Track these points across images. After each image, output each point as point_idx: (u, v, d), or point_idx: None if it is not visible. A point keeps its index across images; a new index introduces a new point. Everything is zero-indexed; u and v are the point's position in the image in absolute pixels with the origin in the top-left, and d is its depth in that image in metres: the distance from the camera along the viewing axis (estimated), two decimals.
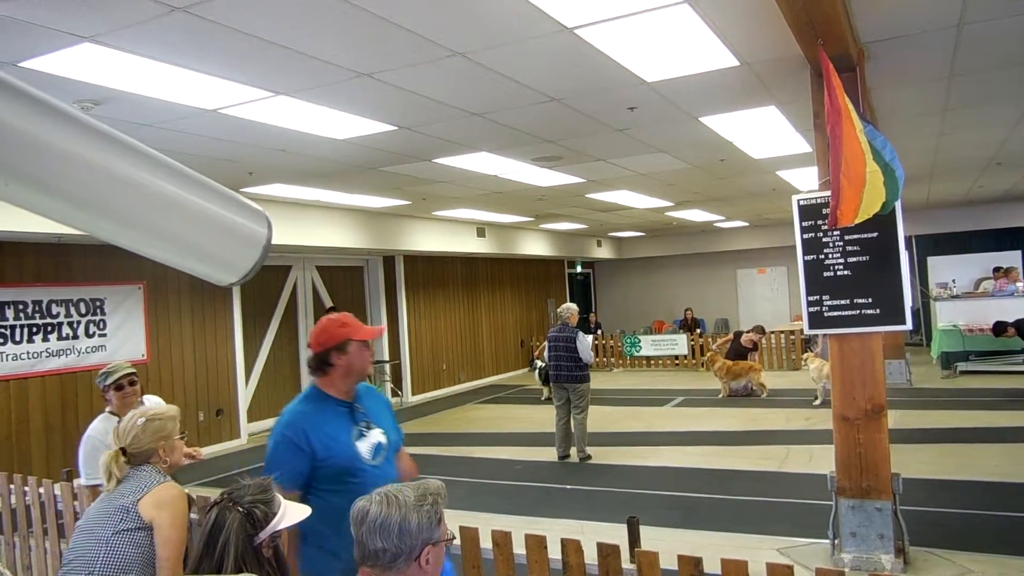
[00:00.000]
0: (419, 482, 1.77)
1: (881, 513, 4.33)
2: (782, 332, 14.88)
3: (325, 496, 2.48)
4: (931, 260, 14.46)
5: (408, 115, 5.63)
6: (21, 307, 7.71)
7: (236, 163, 6.86)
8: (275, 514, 1.91)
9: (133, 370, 4.10)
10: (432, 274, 14.10)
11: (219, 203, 1.87)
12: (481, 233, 13.83)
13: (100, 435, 3.04)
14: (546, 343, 8.35)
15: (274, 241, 2.02)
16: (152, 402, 3.93)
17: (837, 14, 3.64)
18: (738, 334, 12.87)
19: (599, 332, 17.04)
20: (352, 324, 2.66)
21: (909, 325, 4.44)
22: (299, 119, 5.48)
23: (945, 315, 12.42)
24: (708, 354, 12.42)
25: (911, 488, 4.87)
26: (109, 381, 3.94)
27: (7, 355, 7.55)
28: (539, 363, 12.03)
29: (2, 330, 7.53)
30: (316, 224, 9.97)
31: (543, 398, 11.87)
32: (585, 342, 7.81)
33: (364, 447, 2.59)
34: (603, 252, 19.22)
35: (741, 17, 3.98)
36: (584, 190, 10.18)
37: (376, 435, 2.65)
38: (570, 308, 8.10)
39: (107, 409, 3.89)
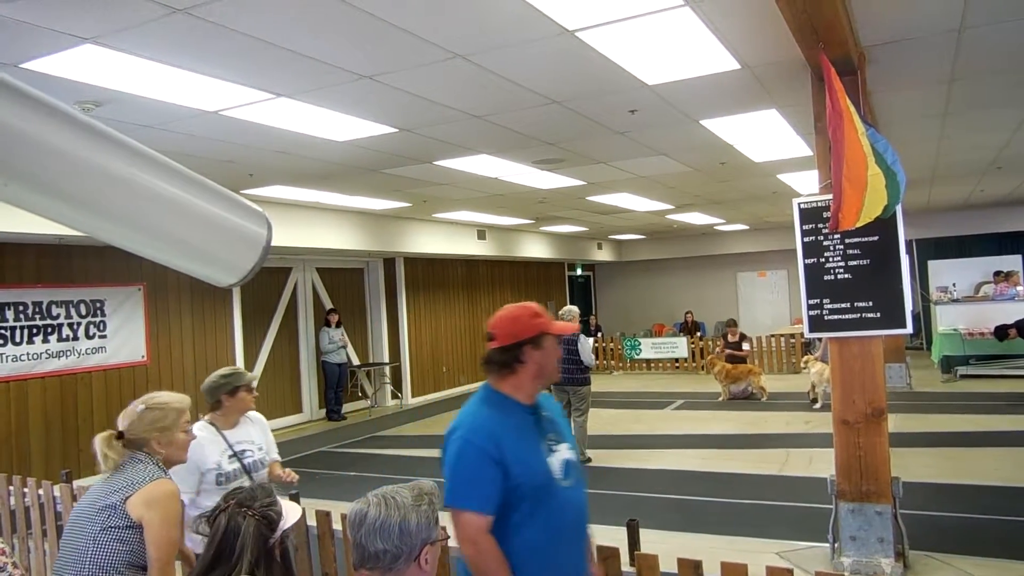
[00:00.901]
0: (413, 483, 1.77)
1: (881, 517, 4.33)
2: (782, 335, 14.87)
3: (515, 528, 2.03)
4: (932, 264, 14.46)
5: (409, 117, 5.64)
6: (21, 308, 7.71)
7: (237, 164, 6.86)
8: (281, 515, 1.92)
9: (254, 377, 3.64)
10: (432, 276, 14.10)
11: (219, 204, 1.87)
12: (481, 235, 13.84)
13: (194, 446, 2.87)
14: None
15: (274, 243, 2.02)
16: (255, 419, 3.56)
17: (838, 17, 3.64)
18: (724, 336, 12.91)
19: (599, 335, 17.03)
20: (545, 315, 2.30)
21: (910, 329, 4.43)
22: (300, 121, 5.48)
23: (945, 319, 12.41)
24: (708, 357, 12.42)
25: (911, 492, 4.87)
26: (242, 382, 3.41)
27: (7, 356, 7.55)
28: None
29: (2, 331, 7.53)
30: (316, 226, 9.97)
31: None
32: (587, 345, 7.79)
33: (555, 464, 2.17)
34: (603, 255, 19.22)
35: (742, 20, 3.98)
36: (585, 193, 10.18)
37: (564, 451, 2.25)
38: (572, 311, 8.06)
39: (205, 417, 3.38)
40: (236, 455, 3.33)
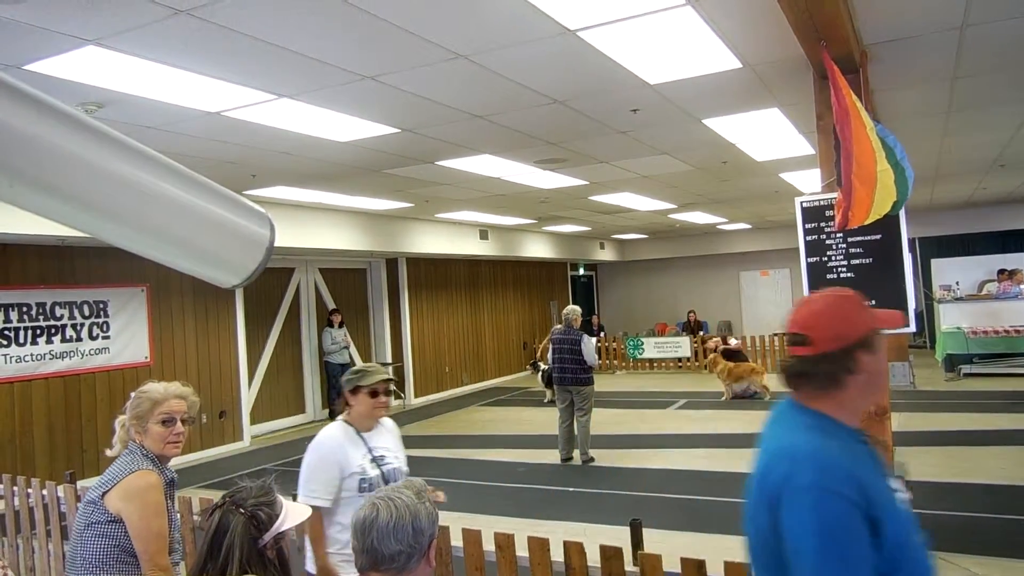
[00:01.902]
0: (406, 480, 1.78)
1: None
2: (785, 335, 14.84)
3: None
4: (935, 262, 14.43)
5: (411, 117, 5.64)
6: (25, 309, 7.73)
7: (239, 165, 6.87)
8: (278, 515, 1.91)
9: (391, 376, 3.24)
10: (435, 276, 14.11)
11: (221, 205, 1.88)
12: (484, 235, 13.84)
13: (334, 445, 2.71)
14: (549, 345, 8.34)
15: (277, 243, 2.02)
16: (389, 426, 3.21)
17: (839, 16, 3.64)
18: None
19: (602, 334, 17.02)
20: (868, 307, 1.71)
21: (913, 327, 4.43)
22: (302, 122, 5.49)
23: (949, 317, 12.38)
24: (710, 356, 12.41)
25: (915, 491, 4.84)
26: (365, 383, 3.02)
27: (11, 357, 7.57)
28: (542, 365, 12.03)
29: (6, 332, 7.55)
30: (319, 226, 9.98)
31: (546, 400, 11.85)
32: (590, 344, 7.82)
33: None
34: (606, 254, 19.22)
35: (744, 19, 3.98)
36: (587, 192, 10.18)
37: (903, 493, 1.66)
38: (575, 310, 8.11)
39: (342, 417, 3.08)
40: (376, 460, 2.97)
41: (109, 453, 2.48)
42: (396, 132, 6.01)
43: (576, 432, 7.93)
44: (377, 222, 11.09)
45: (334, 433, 2.99)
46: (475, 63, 4.42)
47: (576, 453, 7.92)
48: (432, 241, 12.48)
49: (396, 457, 3.09)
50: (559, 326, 10.22)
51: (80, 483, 4.41)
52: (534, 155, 7.35)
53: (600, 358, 16.12)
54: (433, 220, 12.30)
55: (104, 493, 2.33)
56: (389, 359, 12.99)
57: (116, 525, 2.30)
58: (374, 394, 2.98)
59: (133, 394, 2.51)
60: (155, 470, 2.42)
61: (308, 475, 2.93)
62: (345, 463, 2.89)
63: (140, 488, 2.33)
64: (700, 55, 4.52)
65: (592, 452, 7.85)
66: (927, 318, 15.20)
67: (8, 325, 7.57)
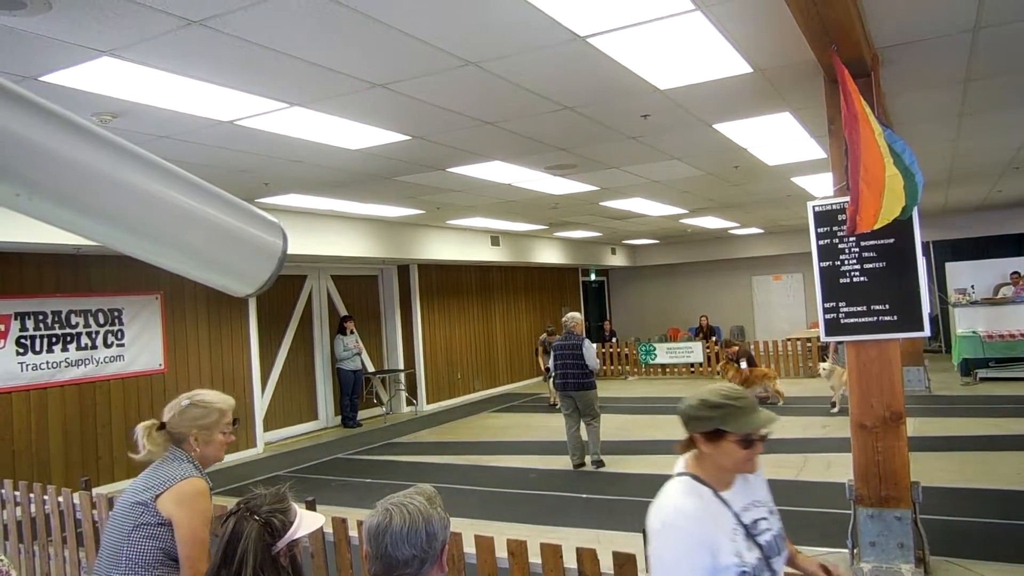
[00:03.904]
0: (416, 487, 1.77)
1: (901, 522, 4.28)
2: (798, 339, 14.77)
3: None
4: (949, 266, 14.30)
5: (422, 125, 5.66)
6: (41, 317, 7.80)
7: (252, 174, 6.92)
8: (292, 523, 1.91)
9: (775, 417, 2.02)
10: (446, 283, 14.13)
11: (235, 216, 1.89)
12: (495, 241, 13.86)
13: (696, 523, 1.90)
14: (551, 350, 8.37)
15: (290, 251, 2.03)
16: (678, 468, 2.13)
17: (851, 20, 3.63)
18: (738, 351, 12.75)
19: (614, 340, 16.99)
20: None
21: (927, 332, 4.39)
22: (314, 130, 5.52)
23: (964, 321, 12.27)
24: (722, 362, 12.35)
25: (931, 497, 4.82)
26: (739, 427, 1.95)
27: (27, 365, 7.64)
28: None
29: (22, 340, 7.63)
30: (331, 234, 10.03)
31: (553, 404, 11.86)
32: (591, 349, 7.91)
33: None
34: (617, 260, 19.19)
35: (754, 24, 3.98)
36: (598, 198, 10.18)
37: None
38: (575, 317, 8.20)
39: (687, 470, 2.08)
40: (747, 530, 1.97)
41: (137, 457, 2.48)
42: (407, 139, 6.04)
43: (586, 437, 7.95)
44: (389, 229, 11.12)
45: (688, 505, 1.97)
46: (485, 70, 4.44)
47: (587, 459, 7.91)
48: (443, 248, 12.51)
49: (771, 512, 2.11)
50: (545, 336, 10.32)
51: (95, 490, 4.44)
52: (545, 161, 7.36)
53: (612, 363, 16.13)
54: (444, 227, 12.32)
55: (157, 496, 2.35)
56: (401, 365, 13.02)
57: (165, 528, 2.33)
58: (747, 443, 1.96)
59: (186, 403, 2.51)
60: (204, 478, 2.48)
61: (665, 558, 1.94)
62: (715, 547, 1.90)
63: (192, 494, 2.38)
64: (710, 60, 4.51)
65: (604, 457, 7.84)
66: (942, 322, 15.07)
67: (24, 333, 7.65)
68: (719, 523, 1.95)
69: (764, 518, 2.06)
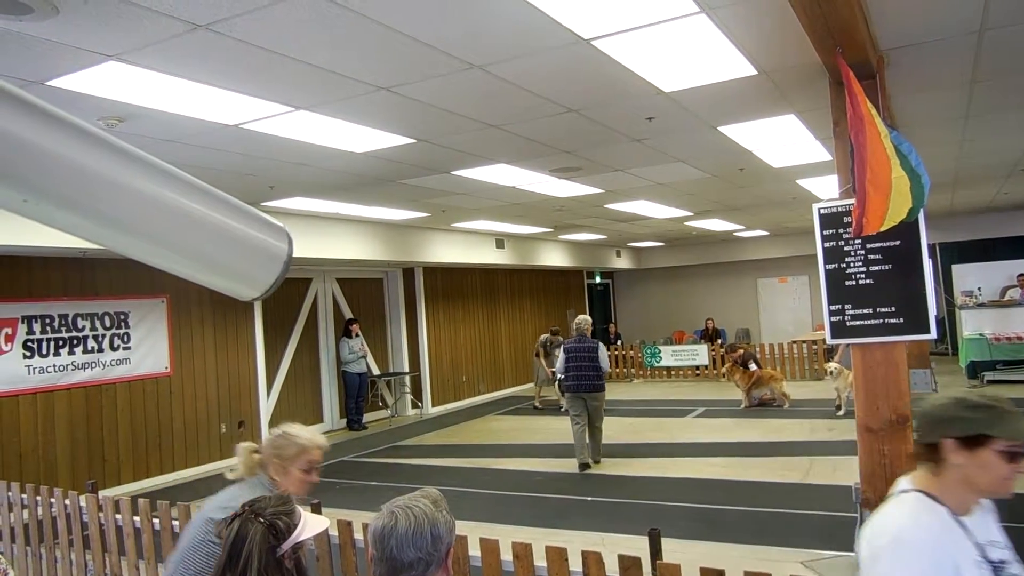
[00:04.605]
0: (421, 491, 1.76)
1: None
2: (804, 342, 14.74)
3: None
4: (956, 268, 14.26)
5: (426, 128, 5.67)
6: (48, 321, 7.83)
7: (257, 177, 6.94)
8: (296, 525, 1.92)
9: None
10: (451, 286, 14.14)
11: (240, 220, 1.90)
12: (500, 244, 13.86)
13: (934, 546, 1.65)
14: (559, 352, 8.42)
15: (295, 254, 2.04)
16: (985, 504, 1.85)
17: (855, 21, 3.62)
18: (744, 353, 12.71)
19: (619, 343, 16.97)
20: None
21: (934, 334, 4.37)
22: (319, 133, 5.54)
23: (971, 324, 12.23)
24: (727, 364, 12.33)
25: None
26: (1007, 433, 1.66)
27: (34, 368, 7.67)
28: (559, 375, 12.00)
29: (29, 343, 7.66)
30: (336, 237, 10.05)
31: (561, 409, 11.85)
32: (605, 352, 8.09)
33: None
34: (622, 262, 19.17)
35: (758, 26, 3.98)
36: (602, 200, 10.17)
37: None
38: (587, 320, 8.40)
39: (917, 486, 1.79)
40: (995, 570, 1.70)
41: (229, 475, 2.53)
42: (412, 142, 6.05)
43: (590, 440, 8.04)
44: (393, 232, 11.14)
45: (925, 521, 1.69)
46: (490, 73, 4.45)
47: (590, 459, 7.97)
48: (448, 250, 12.52)
49: (1015, 559, 1.79)
50: (545, 336, 10.43)
51: (102, 493, 4.45)
52: (549, 164, 7.36)
53: (617, 366, 16.12)
54: (449, 230, 12.34)
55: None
56: (406, 368, 13.03)
57: None
58: (1013, 456, 1.66)
59: (277, 431, 2.55)
60: None
61: None
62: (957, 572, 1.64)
63: None
64: (715, 62, 4.51)
65: (609, 460, 7.87)
66: (949, 325, 15.01)
67: (31, 336, 7.68)
68: (961, 550, 1.65)
69: (1008, 562, 1.72)
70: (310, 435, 2.58)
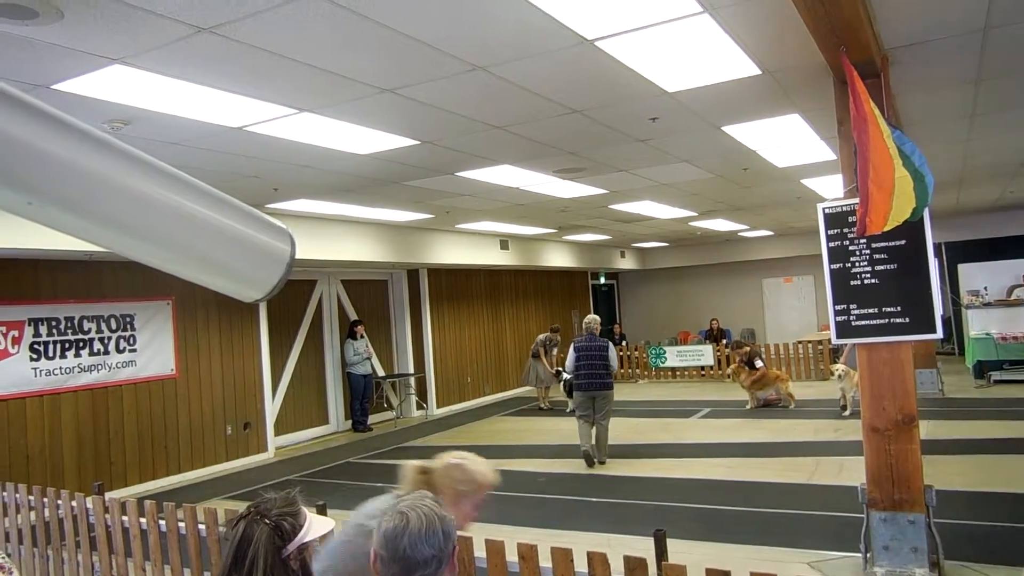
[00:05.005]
0: (417, 493, 1.77)
1: (914, 526, 4.25)
2: (810, 342, 14.70)
3: None
4: (962, 267, 14.20)
5: (430, 129, 5.68)
6: (54, 323, 7.86)
7: (262, 179, 6.95)
8: (302, 526, 1.92)
9: None
10: (456, 287, 14.15)
11: (243, 222, 1.90)
12: (504, 245, 13.87)
13: None
14: (572, 352, 8.40)
15: (300, 256, 2.04)
16: None
17: (859, 21, 3.61)
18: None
19: (624, 343, 16.96)
20: None
21: (939, 334, 4.36)
22: (323, 135, 5.55)
23: (978, 323, 12.18)
24: (733, 365, 12.31)
25: (945, 500, 4.77)
26: None
27: (41, 370, 7.70)
28: (565, 375, 11.99)
29: (36, 346, 7.69)
30: (340, 238, 10.06)
31: (568, 411, 11.84)
32: (613, 351, 8.26)
33: None
34: (627, 263, 19.16)
35: (762, 26, 3.97)
36: (607, 201, 10.17)
37: None
38: (596, 319, 8.54)
39: None
40: None
41: (401, 490, 2.44)
42: (416, 144, 6.05)
43: (598, 437, 8.09)
44: (398, 233, 11.15)
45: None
46: (493, 74, 4.45)
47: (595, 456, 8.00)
48: (453, 252, 12.53)
49: None
50: (545, 335, 10.48)
51: (108, 495, 4.46)
52: (553, 165, 7.37)
53: (622, 367, 16.11)
54: (453, 231, 12.35)
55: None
56: (411, 370, 13.04)
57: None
58: None
59: (456, 461, 2.48)
60: None
61: None
62: None
63: None
64: (718, 62, 4.51)
65: (614, 461, 7.87)
66: (955, 324, 14.96)
67: (38, 339, 7.71)
68: None
69: None
70: (486, 472, 2.48)
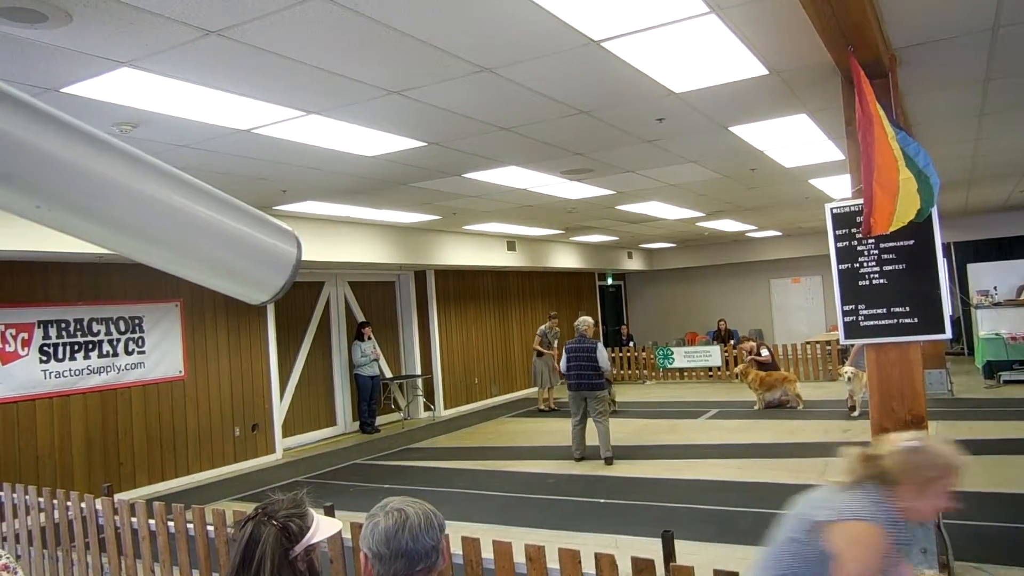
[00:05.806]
0: (399, 498, 1.81)
1: (923, 527, 4.23)
2: (818, 342, 14.65)
3: None
4: (971, 267, 14.13)
5: (437, 131, 5.69)
6: (64, 325, 7.90)
7: (270, 181, 6.97)
8: (309, 527, 1.92)
9: None
10: (463, 288, 14.16)
11: (250, 224, 1.91)
12: (511, 246, 13.86)
13: None
14: (564, 354, 8.54)
15: (307, 257, 2.05)
16: None
17: (867, 20, 3.60)
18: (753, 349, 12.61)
19: (631, 344, 16.93)
20: None
21: (948, 334, 4.34)
22: (330, 137, 5.56)
23: (987, 323, 12.12)
24: (740, 366, 12.27)
25: (955, 501, 4.74)
26: None
27: (50, 372, 7.74)
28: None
29: (45, 348, 7.73)
30: (348, 240, 10.08)
31: (548, 409, 12.01)
32: (603, 351, 8.40)
33: None
34: (634, 264, 19.13)
35: (769, 26, 3.96)
36: (614, 202, 10.16)
37: None
38: (586, 321, 8.68)
39: None
40: None
41: (842, 480, 2.30)
42: (423, 145, 6.06)
43: (598, 435, 8.21)
44: (405, 235, 11.17)
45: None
46: (500, 76, 4.45)
47: (590, 454, 8.12)
48: (460, 253, 12.54)
49: None
50: (544, 326, 10.54)
51: (117, 496, 4.48)
52: (560, 166, 7.36)
53: (630, 368, 16.08)
54: (461, 232, 12.35)
55: (832, 522, 2.16)
56: (418, 371, 13.05)
57: (816, 554, 2.16)
58: None
59: (909, 444, 2.23)
60: (885, 529, 2.16)
61: None
62: None
63: (867, 542, 2.12)
64: (726, 63, 4.50)
65: (622, 462, 7.87)
66: (964, 324, 14.88)
67: (48, 341, 7.75)
68: None
69: None
70: (950, 450, 2.23)
